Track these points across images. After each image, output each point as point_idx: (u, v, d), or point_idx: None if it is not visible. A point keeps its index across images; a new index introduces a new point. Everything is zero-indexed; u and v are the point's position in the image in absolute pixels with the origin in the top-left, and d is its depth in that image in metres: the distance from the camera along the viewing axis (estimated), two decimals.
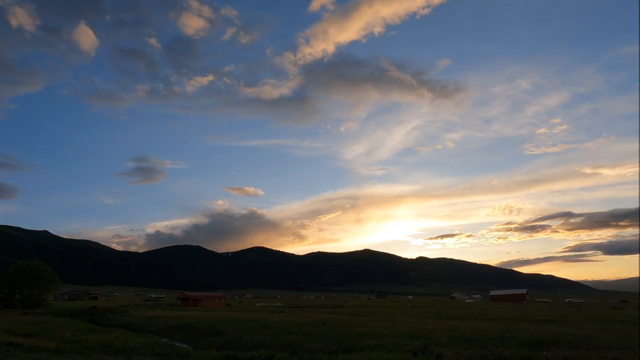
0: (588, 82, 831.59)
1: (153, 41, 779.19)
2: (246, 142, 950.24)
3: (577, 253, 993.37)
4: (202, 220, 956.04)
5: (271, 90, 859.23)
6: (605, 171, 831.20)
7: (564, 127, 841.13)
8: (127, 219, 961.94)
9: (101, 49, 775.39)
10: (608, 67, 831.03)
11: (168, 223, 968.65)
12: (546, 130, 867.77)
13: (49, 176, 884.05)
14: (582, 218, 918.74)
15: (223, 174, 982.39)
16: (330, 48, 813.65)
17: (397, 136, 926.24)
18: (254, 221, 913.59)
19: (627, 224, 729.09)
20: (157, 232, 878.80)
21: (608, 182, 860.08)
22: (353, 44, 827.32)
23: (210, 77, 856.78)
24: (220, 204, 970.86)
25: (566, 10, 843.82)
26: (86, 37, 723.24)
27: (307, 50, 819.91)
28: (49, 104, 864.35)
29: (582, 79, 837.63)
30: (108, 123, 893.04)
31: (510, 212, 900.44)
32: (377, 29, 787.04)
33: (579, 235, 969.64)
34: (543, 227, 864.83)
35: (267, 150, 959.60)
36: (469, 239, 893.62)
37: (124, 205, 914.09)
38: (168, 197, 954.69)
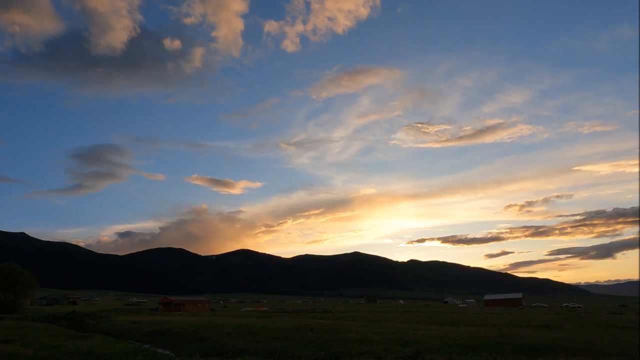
0: (551, 80, 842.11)
1: None
2: (207, 142, 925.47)
3: (572, 255, 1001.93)
4: (175, 221, 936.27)
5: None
6: (590, 168, 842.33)
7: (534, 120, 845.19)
8: (92, 221, 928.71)
9: None
10: (561, 63, 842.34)
11: (142, 225, 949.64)
12: (513, 126, 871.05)
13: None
14: (579, 218, 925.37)
15: (193, 171, 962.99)
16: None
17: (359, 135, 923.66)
18: (232, 220, 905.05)
19: (625, 221, 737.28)
20: (128, 231, 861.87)
21: (594, 181, 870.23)
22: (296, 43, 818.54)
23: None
24: (194, 204, 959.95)
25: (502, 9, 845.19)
26: None
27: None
28: None
29: (533, 76, 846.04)
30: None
31: (504, 212, 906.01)
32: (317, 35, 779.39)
33: (577, 237, 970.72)
34: (539, 228, 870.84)
35: (241, 149, 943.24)
36: (460, 241, 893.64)
37: (91, 205, 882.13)
38: (135, 197, 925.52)
